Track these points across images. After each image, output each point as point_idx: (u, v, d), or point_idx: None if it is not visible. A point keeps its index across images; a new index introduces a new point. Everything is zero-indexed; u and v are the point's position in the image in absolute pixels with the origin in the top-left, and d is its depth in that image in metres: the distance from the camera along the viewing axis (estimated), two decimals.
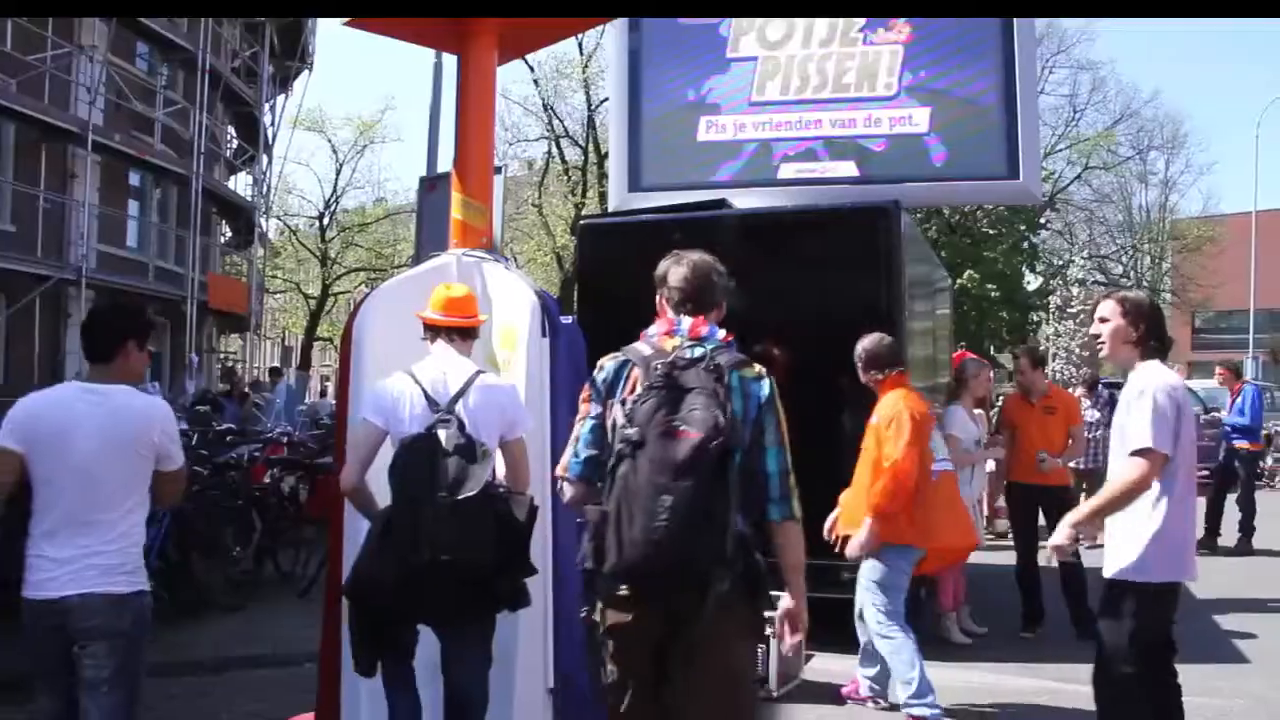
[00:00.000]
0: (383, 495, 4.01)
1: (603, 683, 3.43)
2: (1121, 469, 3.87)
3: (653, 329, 3.57)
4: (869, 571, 5.75)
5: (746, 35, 9.05)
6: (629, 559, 3.15)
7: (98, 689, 3.68)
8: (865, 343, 5.93)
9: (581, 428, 3.46)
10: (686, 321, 3.51)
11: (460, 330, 4.23)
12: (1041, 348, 41.03)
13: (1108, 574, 4.00)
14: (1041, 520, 7.54)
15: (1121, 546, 3.95)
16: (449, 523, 3.69)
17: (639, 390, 3.31)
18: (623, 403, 3.34)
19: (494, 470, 3.99)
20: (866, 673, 5.96)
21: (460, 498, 3.72)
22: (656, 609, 3.25)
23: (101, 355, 3.87)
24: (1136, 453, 3.83)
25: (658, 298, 3.69)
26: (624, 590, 3.23)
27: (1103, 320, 4.15)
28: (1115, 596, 3.96)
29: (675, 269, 3.64)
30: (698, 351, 3.40)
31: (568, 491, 3.48)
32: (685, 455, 3.14)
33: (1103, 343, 4.16)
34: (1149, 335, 4.07)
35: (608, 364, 3.50)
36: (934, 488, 6.01)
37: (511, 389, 4.26)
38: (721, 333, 3.54)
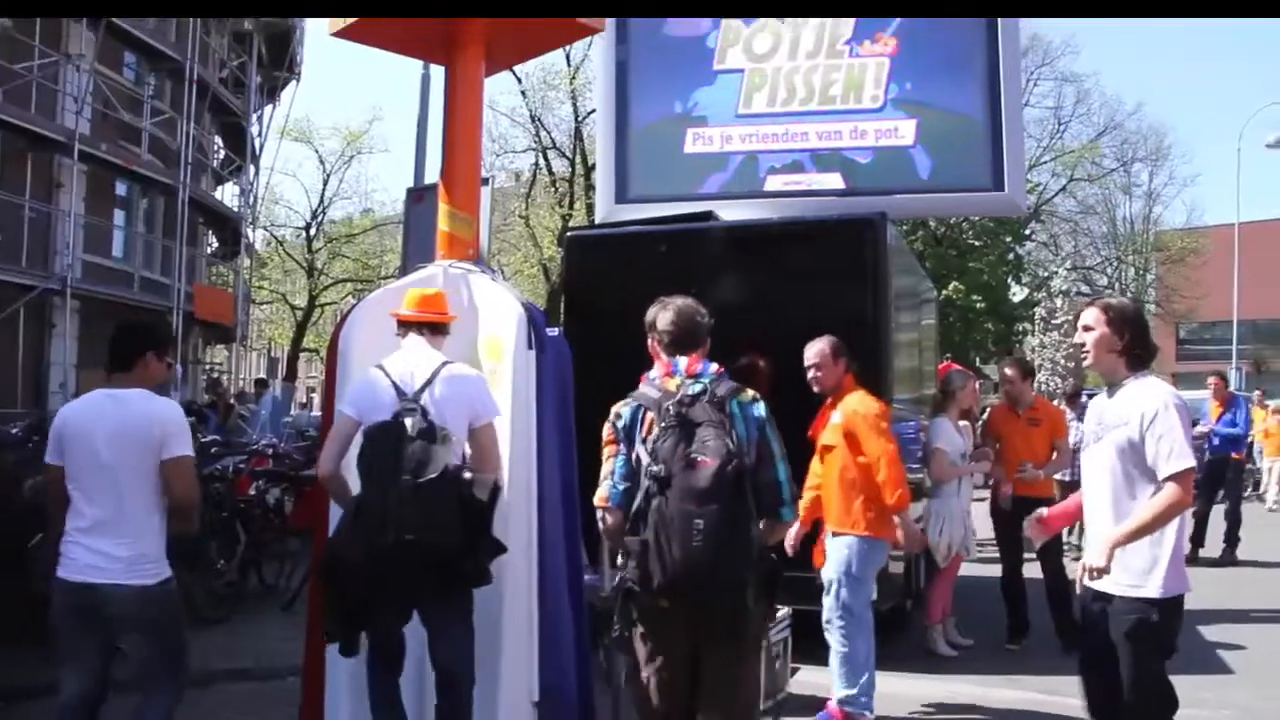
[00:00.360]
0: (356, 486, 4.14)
1: (636, 688, 3.96)
2: (1166, 488, 3.76)
3: (653, 372, 4.05)
4: (841, 564, 5.74)
5: (733, 47, 9.07)
6: (672, 577, 3.62)
7: (144, 672, 4.16)
8: (837, 340, 5.93)
9: (614, 463, 3.90)
10: (683, 361, 3.99)
11: (431, 325, 4.40)
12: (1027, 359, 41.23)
13: (1133, 594, 3.86)
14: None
15: (1139, 564, 3.85)
16: (413, 504, 3.84)
17: (656, 430, 3.80)
18: (643, 442, 3.83)
19: (463, 455, 4.16)
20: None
21: (422, 480, 3.87)
22: (693, 618, 3.78)
23: (123, 364, 4.28)
24: (1179, 473, 3.75)
25: (649, 341, 4.12)
26: (664, 603, 3.71)
27: (1087, 328, 4.11)
28: (1143, 615, 3.85)
29: (662, 314, 4.11)
30: (698, 388, 3.89)
31: (609, 520, 3.88)
32: (708, 482, 3.65)
33: (1087, 351, 4.12)
34: (1134, 343, 4.02)
35: (624, 411, 3.95)
36: None
37: (478, 378, 4.35)
38: (714, 366, 4.01)
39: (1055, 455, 7.86)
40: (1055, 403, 10.43)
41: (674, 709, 3.88)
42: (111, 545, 4.05)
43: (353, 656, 4.13)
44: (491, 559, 4.06)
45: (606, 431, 3.98)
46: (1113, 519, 3.92)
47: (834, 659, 5.72)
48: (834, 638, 5.74)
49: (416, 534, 3.82)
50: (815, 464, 5.88)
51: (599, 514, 3.93)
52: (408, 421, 3.99)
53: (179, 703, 4.31)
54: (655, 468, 3.70)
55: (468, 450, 4.23)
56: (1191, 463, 3.79)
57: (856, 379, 5.96)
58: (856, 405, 5.77)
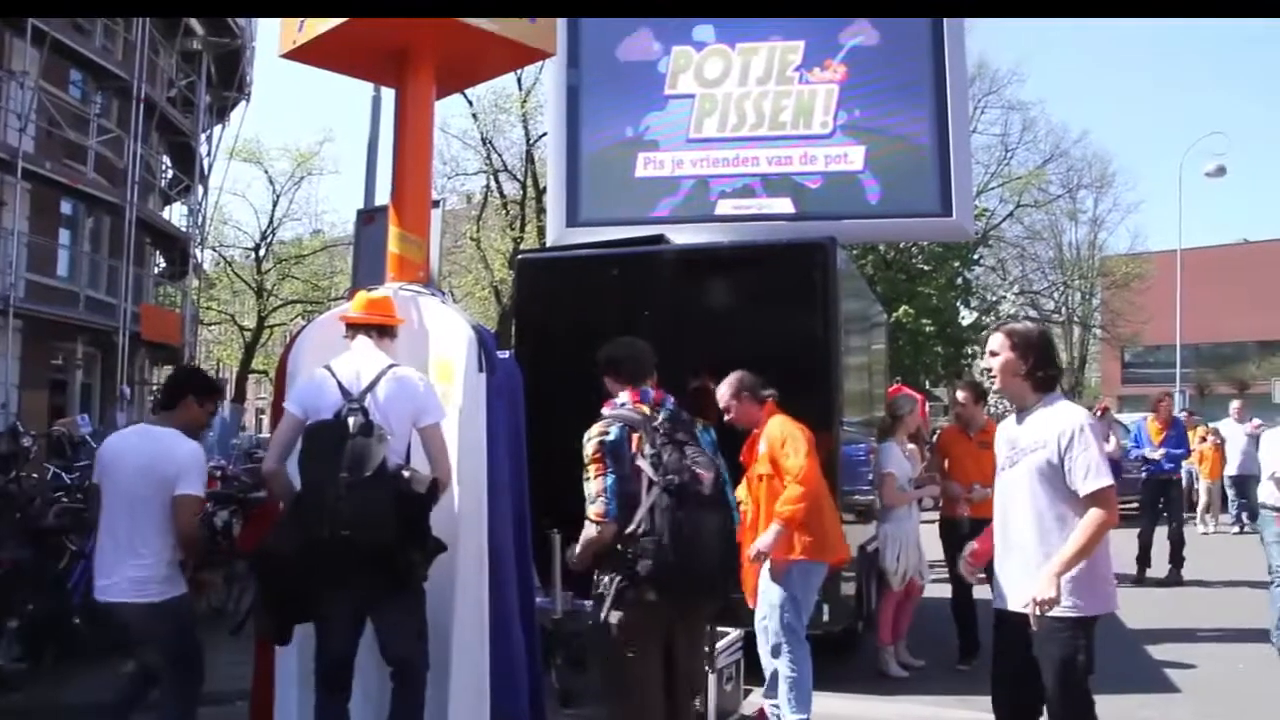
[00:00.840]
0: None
1: (621, 674, 4.30)
2: (1090, 512, 3.84)
3: (621, 399, 4.45)
4: (782, 589, 5.69)
5: (684, 73, 9.16)
6: (686, 570, 4.12)
7: (162, 675, 4.72)
8: (740, 378, 5.91)
9: (605, 482, 4.23)
10: (650, 392, 4.47)
11: (378, 327, 4.46)
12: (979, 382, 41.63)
13: (1060, 614, 3.88)
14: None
15: (1064, 586, 3.87)
16: (349, 501, 3.91)
17: (648, 447, 4.24)
18: (642, 457, 4.22)
19: (406, 454, 4.24)
20: (773, 701, 5.88)
21: (359, 477, 3.94)
22: (680, 609, 4.30)
23: (165, 404, 4.93)
24: (1099, 491, 3.85)
25: (605, 379, 4.58)
26: (652, 596, 4.13)
27: (993, 354, 4.22)
28: (1071, 634, 3.92)
29: (616, 351, 4.63)
30: (667, 412, 4.41)
31: (605, 533, 4.20)
32: (711, 490, 4.23)
33: (994, 375, 4.23)
34: (1038, 366, 4.11)
35: (612, 430, 4.30)
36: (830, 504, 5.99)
37: (423, 381, 4.38)
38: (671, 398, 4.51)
39: None
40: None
41: (656, 685, 4.31)
42: (124, 567, 4.54)
43: (285, 645, 4.22)
44: (431, 556, 4.12)
45: (593, 449, 4.27)
46: (1037, 541, 4.00)
47: (784, 685, 5.69)
48: (782, 662, 5.70)
49: (352, 530, 3.89)
50: (741, 489, 5.81)
51: (593, 528, 4.22)
52: (350, 420, 4.05)
53: (191, 712, 4.74)
54: (670, 477, 4.15)
55: (418, 450, 4.28)
56: (1110, 481, 3.89)
57: (779, 404, 5.91)
58: (774, 430, 5.74)
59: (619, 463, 4.22)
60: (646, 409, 4.36)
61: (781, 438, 5.69)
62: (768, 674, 5.89)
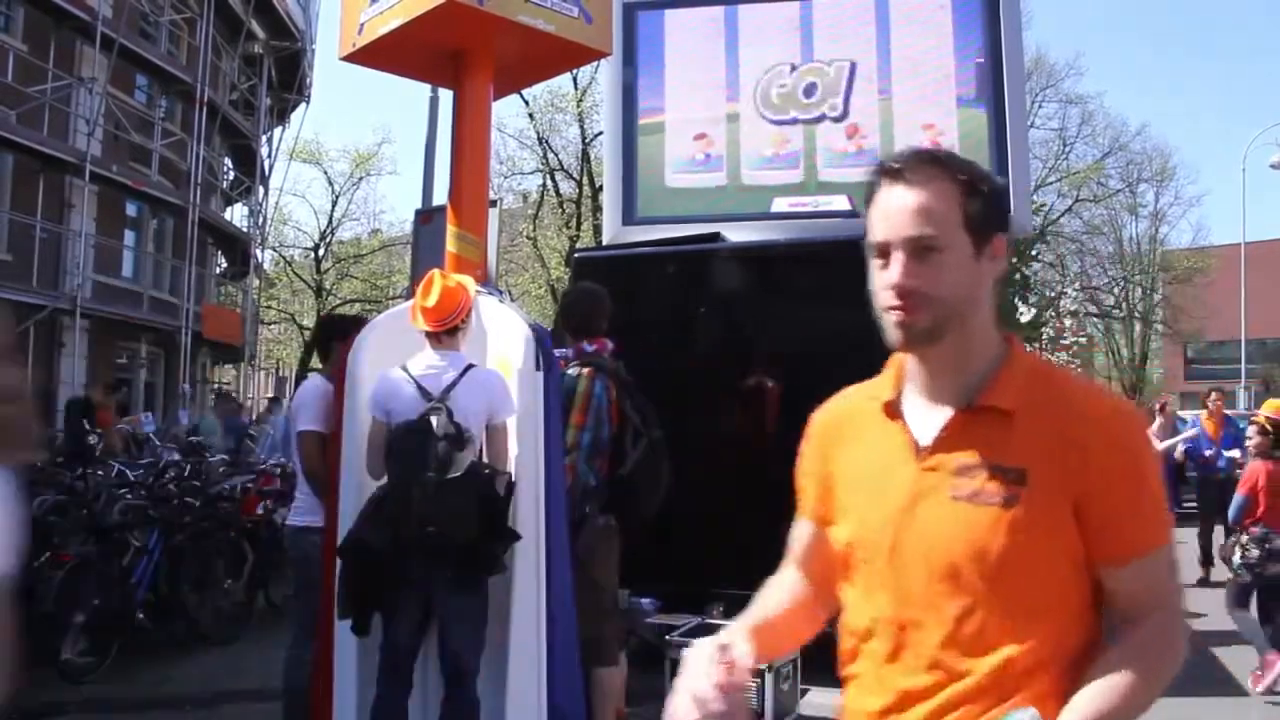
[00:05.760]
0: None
1: None
2: None
3: None
4: None
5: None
6: None
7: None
8: None
9: None
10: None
11: (442, 332, 4.49)
12: None
13: None
14: None
15: None
16: (436, 500, 4.05)
17: None
18: None
19: (481, 450, 4.33)
20: None
21: (446, 478, 4.07)
22: None
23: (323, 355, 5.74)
24: None
25: None
26: None
27: None
28: None
29: None
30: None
31: None
32: None
33: None
34: None
35: None
36: None
37: (499, 378, 4.47)
38: None
39: None
40: None
41: None
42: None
43: (364, 636, 4.27)
44: (506, 547, 4.26)
45: None
46: None
47: None
48: None
49: (438, 527, 4.04)
50: None
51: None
52: (433, 420, 4.17)
53: (303, 641, 5.10)
54: None
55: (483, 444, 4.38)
56: None
57: None
58: None
59: None
60: None
61: None
62: None
